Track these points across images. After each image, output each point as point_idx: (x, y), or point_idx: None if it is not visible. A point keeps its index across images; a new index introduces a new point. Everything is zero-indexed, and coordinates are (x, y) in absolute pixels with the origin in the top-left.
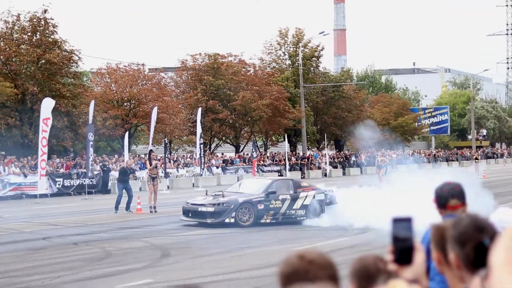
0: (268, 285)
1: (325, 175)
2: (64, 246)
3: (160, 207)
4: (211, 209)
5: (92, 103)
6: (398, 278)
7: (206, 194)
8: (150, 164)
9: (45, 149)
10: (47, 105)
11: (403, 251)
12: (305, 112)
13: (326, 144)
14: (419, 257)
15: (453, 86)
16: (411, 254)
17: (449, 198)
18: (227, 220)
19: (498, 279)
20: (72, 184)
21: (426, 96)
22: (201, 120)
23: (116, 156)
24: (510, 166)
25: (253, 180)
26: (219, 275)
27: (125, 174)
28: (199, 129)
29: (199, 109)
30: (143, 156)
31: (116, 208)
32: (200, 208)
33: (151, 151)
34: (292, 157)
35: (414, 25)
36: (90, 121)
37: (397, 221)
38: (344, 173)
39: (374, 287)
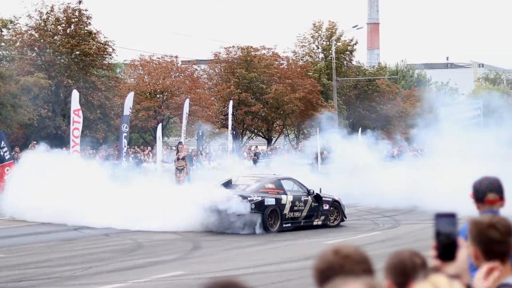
0: (299, 278)
1: None
2: (95, 237)
3: None
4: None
5: (131, 94)
6: (439, 273)
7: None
8: (177, 156)
9: (77, 140)
10: (75, 97)
11: (446, 247)
12: (337, 106)
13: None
14: (462, 253)
15: (485, 81)
16: (454, 250)
17: (487, 192)
18: None
19: None
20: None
21: (463, 94)
22: (233, 112)
23: (148, 148)
24: None
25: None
26: (250, 268)
27: None
28: (230, 122)
29: (231, 102)
30: (174, 148)
31: None
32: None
33: (180, 142)
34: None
35: (448, 19)
36: (126, 113)
37: (440, 216)
38: None
39: (410, 281)
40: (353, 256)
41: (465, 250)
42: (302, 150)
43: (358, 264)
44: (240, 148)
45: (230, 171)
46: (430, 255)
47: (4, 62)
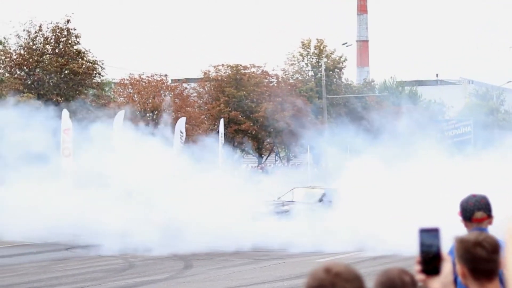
0: None
1: None
2: (87, 257)
3: None
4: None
5: (122, 113)
6: None
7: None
8: None
9: (67, 159)
10: (66, 116)
11: (430, 261)
12: (327, 124)
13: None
14: (446, 267)
15: (475, 97)
16: (438, 264)
17: (474, 210)
18: None
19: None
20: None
21: (453, 106)
22: (223, 131)
23: None
24: None
25: (304, 190)
26: (243, 287)
27: None
28: (221, 140)
29: (221, 120)
30: None
31: None
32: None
33: None
34: (316, 168)
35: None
36: (116, 132)
37: (424, 231)
38: None
39: None
40: (344, 274)
41: (449, 264)
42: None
43: (349, 282)
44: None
45: None
46: (414, 269)
47: None
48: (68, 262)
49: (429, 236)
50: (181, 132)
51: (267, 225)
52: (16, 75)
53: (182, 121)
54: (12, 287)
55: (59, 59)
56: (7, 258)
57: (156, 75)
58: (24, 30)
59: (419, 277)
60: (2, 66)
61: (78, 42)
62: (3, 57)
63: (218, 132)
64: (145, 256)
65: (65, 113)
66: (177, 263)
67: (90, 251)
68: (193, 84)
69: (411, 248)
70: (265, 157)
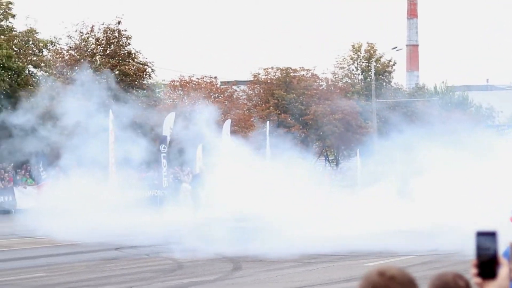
0: None
1: None
2: (136, 257)
3: None
4: None
5: (172, 115)
6: None
7: None
8: None
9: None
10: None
11: (487, 265)
12: (377, 127)
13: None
14: (503, 270)
15: None
16: (495, 267)
17: None
18: None
19: None
20: (143, 195)
21: (502, 112)
22: (271, 133)
23: (188, 168)
24: None
25: None
26: None
27: None
28: (268, 143)
29: (267, 123)
30: None
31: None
32: None
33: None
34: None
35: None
36: (166, 133)
37: (481, 234)
38: None
39: None
40: (398, 277)
41: (506, 268)
42: (342, 171)
43: (403, 286)
44: None
45: None
46: (471, 273)
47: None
48: (118, 262)
49: (486, 240)
50: (227, 135)
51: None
52: (67, 76)
53: (227, 124)
54: (62, 286)
55: (110, 60)
56: (57, 257)
57: (206, 77)
58: (76, 31)
59: (475, 280)
60: (54, 66)
61: (129, 43)
62: (54, 57)
63: (265, 134)
64: (194, 257)
65: (111, 114)
66: (226, 264)
67: (139, 251)
68: (242, 87)
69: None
70: (314, 161)
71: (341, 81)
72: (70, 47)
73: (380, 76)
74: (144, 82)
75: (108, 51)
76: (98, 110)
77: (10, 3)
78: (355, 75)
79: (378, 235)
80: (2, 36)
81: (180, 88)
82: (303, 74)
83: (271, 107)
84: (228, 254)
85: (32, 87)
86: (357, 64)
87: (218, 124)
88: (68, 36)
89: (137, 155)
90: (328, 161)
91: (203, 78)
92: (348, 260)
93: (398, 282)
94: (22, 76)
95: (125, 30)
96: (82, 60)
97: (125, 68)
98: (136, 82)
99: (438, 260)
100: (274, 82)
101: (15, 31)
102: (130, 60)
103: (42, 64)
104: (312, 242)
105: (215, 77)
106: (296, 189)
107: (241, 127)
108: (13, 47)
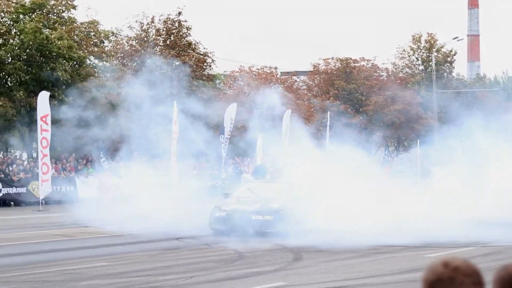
0: None
1: None
2: (196, 247)
3: None
4: None
5: (234, 105)
6: None
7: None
8: None
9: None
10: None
11: None
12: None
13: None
14: None
15: None
16: None
17: None
18: None
19: None
20: (203, 186)
21: None
22: (331, 124)
23: (249, 158)
24: None
25: None
26: (351, 280)
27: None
28: (328, 134)
29: (328, 113)
30: None
31: None
32: None
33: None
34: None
35: None
36: (226, 124)
37: None
38: None
39: None
40: (463, 268)
41: None
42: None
43: (469, 277)
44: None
45: None
46: None
47: (106, 74)
48: (179, 251)
49: None
50: (287, 125)
51: None
52: (128, 66)
53: (288, 114)
54: (124, 275)
55: (170, 51)
56: (118, 247)
57: (266, 67)
58: (136, 21)
59: None
60: (115, 57)
61: (189, 34)
62: (115, 48)
63: (326, 125)
64: (254, 247)
65: (176, 104)
66: (286, 255)
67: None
68: (302, 77)
69: None
70: (374, 151)
71: (401, 71)
72: (130, 38)
73: (441, 66)
74: (204, 72)
75: (168, 42)
76: (162, 100)
77: None
78: (416, 66)
79: (440, 226)
80: (64, 27)
81: (240, 79)
82: (363, 65)
83: (331, 98)
84: (288, 244)
85: (93, 77)
86: (418, 54)
87: (278, 115)
88: (128, 27)
89: (198, 145)
90: (388, 151)
91: (263, 68)
92: (409, 251)
93: (463, 273)
94: (84, 66)
95: (185, 21)
96: (142, 51)
97: (185, 59)
98: (197, 73)
99: (501, 251)
100: (334, 72)
101: (76, 22)
102: (190, 51)
103: (103, 55)
104: (372, 233)
105: (275, 68)
106: (356, 180)
107: (302, 118)
108: (75, 38)
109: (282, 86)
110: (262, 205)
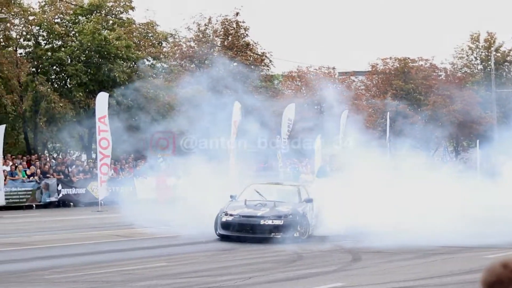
0: None
1: None
2: (254, 247)
3: None
4: None
5: (292, 106)
6: None
7: None
8: None
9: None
10: (237, 108)
11: None
12: (497, 118)
13: None
14: None
15: None
16: None
17: None
18: None
19: None
20: None
21: None
22: (390, 124)
23: (306, 159)
24: None
25: None
26: (410, 281)
27: None
28: (388, 134)
29: (388, 114)
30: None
31: None
32: None
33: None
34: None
35: None
36: (284, 124)
37: None
38: None
39: None
40: None
41: None
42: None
43: None
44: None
45: None
46: None
47: (165, 75)
48: (236, 252)
49: None
50: (343, 125)
51: None
52: (186, 67)
53: (345, 114)
54: (182, 276)
55: (228, 51)
56: (176, 248)
57: (324, 67)
58: (194, 22)
59: None
60: (172, 58)
61: (246, 34)
62: (173, 49)
63: (385, 125)
64: (313, 248)
65: (237, 105)
66: (345, 255)
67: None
68: (360, 77)
69: None
70: (433, 151)
71: (460, 71)
72: (188, 39)
73: (500, 65)
74: (262, 73)
75: (226, 43)
76: (222, 100)
77: None
78: (474, 65)
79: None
80: (122, 28)
81: (298, 79)
82: (422, 64)
83: (389, 98)
84: (347, 245)
85: (151, 78)
86: (476, 54)
87: (337, 115)
88: (186, 28)
89: (257, 146)
90: (447, 152)
91: (321, 68)
92: (468, 252)
93: None
94: (142, 67)
95: (243, 22)
96: (201, 52)
97: (243, 59)
98: (255, 73)
99: None
100: (392, 72)
101: (134, 23)
102: (248, 51)
103: (161, 56)
104: (431, 235)
105: (333, 68)
106: (416, 181)
107: (360, 118)
108: (134, 39)
109: (340, 86)
110: (271, 209)
